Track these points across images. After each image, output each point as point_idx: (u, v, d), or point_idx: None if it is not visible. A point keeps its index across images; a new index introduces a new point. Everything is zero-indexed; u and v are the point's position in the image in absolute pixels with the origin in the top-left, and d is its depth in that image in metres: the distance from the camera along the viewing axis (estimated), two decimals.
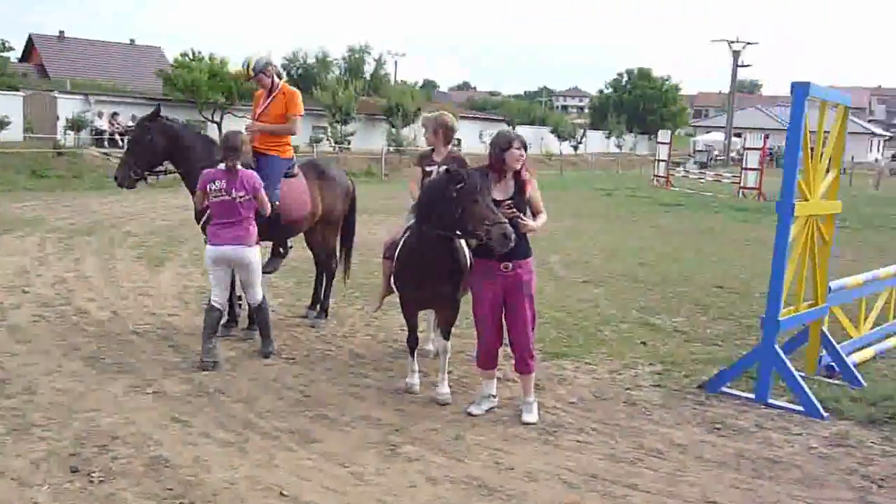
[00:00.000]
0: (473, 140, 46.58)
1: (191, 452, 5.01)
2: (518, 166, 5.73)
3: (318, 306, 8.52)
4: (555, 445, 5.47)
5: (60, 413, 5.52)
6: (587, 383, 6.87)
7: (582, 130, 55.32)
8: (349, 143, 37.15)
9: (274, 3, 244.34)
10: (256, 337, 7.54)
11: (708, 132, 69.86)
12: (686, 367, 7.42)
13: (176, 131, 7.39)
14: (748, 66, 61.56)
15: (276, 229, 7.50)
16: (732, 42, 59.23)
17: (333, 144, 34.55)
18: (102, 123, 28.20)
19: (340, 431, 5.50)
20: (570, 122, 59.08)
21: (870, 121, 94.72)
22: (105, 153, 26.75)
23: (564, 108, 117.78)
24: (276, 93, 7.59)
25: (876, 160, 56.29)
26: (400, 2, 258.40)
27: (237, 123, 31.89)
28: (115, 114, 29.13)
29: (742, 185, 29.68)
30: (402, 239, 6.13)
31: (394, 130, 39.04)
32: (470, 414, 5.96)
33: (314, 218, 7.91)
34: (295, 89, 7.78)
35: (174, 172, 7.58)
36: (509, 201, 5.59)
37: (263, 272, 7.67)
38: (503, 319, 5.88)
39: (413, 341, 6.36)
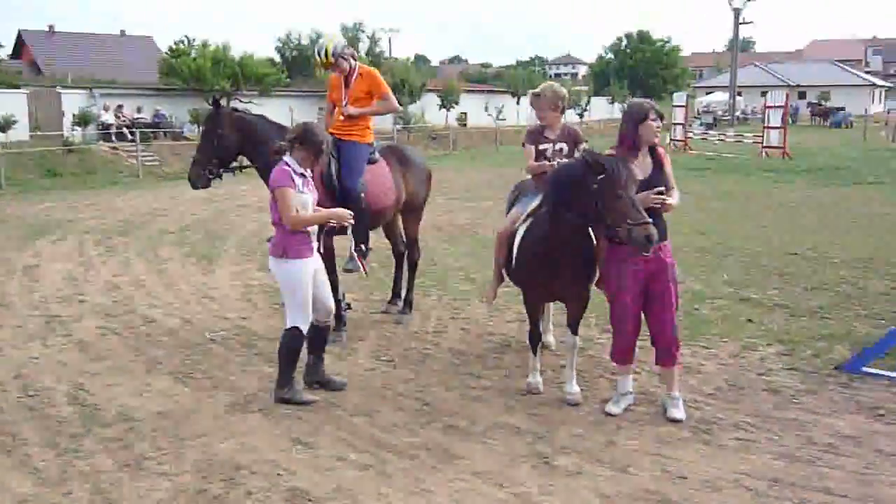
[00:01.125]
0: (479, 112, 45.89)
1: (329, 481, 4.48)
2: (656, 139, 5.18)
3: (398, 300, 7.98)
4: (718, 446, 4.96)
5: (169, 441, 4.99)
6: (714, 370, 6.36)
7: (586, 97, 54.47)
8: None
9: None
10: (344, 338, 7.04)
11: (708, 93, 69.07)
12: (808, 346, 6.91)
13: (248, 123, 6.80)
14: (750, 23, 60.45)
15: (361, 221, 6.93)
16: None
17: None
18: (108, 117, 27.46)
19: (481, 444, 4.97)
20: (574, 89, 58.21)
21: (867, 72, 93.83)
22: (114, 147, 26.04)
23: (557, 76, 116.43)
24: (354, 76, 7.01)
25: (889, 111, 55.56)
26: None
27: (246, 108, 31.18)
28: (120, 106, 28.37)
29: (765, 144, 29.04)
30: (523, 228, 5.58)
31: (401, 108, 38.29)
32: (609, 414, 5.45)
33: (398, 206, 7.35)
34: (372, 68, 7.20)
35: (250, 167, 6.98)
36: (661, 189, 5.05)
37: (344, 270, 7.15)
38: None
39: (536, 337, 5.83)
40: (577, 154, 5.92)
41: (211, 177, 6.72)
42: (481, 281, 9.33)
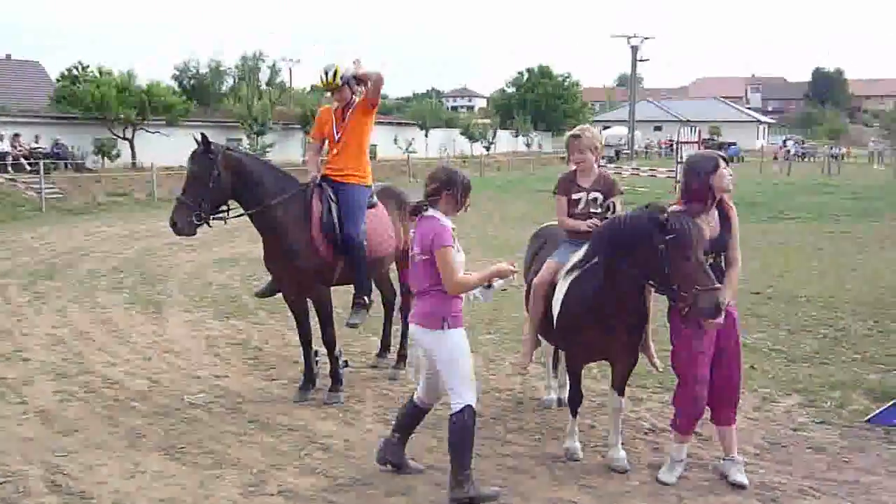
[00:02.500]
0: (388, 145, 45.40)
1: None
2: (730, 188, 4.84)
3: (387, 353, 7.43)
4: None
5: None
6: (746, 426, 6.02)
7: (492, 131, 54.83)
8: (266, 154, 35.38)
9: (158, 12, 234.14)
10: (342, 398, 6.41)
11: (606, 127, 70.89)
12: (825, 395, 6.71)
13: (243, 163, 6.10)
14: (647, 60, 62.52)
15: (361, 271, 6.36)
16: (630, 37, 60.17)
17: None
18: (4, 146, 25.63)
19: None
20: (481, 121, 58.65)
21: (748, 108, 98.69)
22: (11, 179, 24.29)
23: (454, 108, 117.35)
24: (354, 105, 6.47)
25: (783, 145, 58.82)
26: (283, 6, 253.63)
27: (152, 140, 29.79)
28: (16, 135, 26.52)
29: (677, 178, 29.67)
30: (567, 281, 5.12)
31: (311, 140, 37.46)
32: (663, 483, 5.03)
33: (397, 254, 6.80)
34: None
35: (243, 214, 6.25)
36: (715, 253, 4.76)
37: (347, 325, 6.54)
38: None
39: (577, 399, 5.36)
40: (617, 206, 5.55)
41: (198, 223, 5.97)
42: None
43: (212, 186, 5.87)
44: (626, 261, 4.68)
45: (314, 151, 6.97)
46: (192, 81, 60.56)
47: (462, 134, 53.30)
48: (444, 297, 4.55)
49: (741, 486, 4.93)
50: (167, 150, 29.35)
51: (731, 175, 4.82)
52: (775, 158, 52.65)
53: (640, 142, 64.42)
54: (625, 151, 58.80)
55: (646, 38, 60.78)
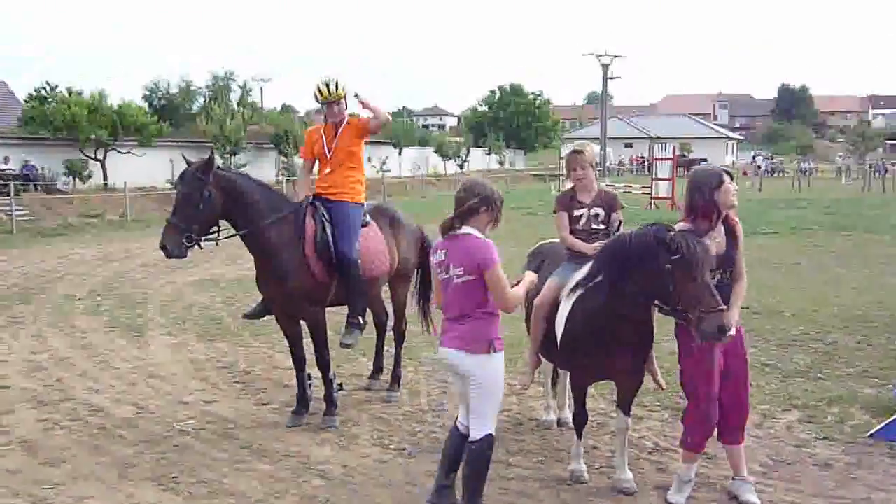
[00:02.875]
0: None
1: None
2: (735, 202, 4.78)
3: (380, 375, 7.28)
4: None
5: None
6: (750, 443, 5.91)
7: (465, 149, 54.95)
8: None
9: (124, 33, 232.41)
10: (337, 422, 6.25)
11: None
12: (825, 411, 6.66)
13: (235, 183, 5.93)
14: (617, 78, 62.99)
15: (355, 291, 6.22)
16: (601, 56, 60.49)
17: None
18: None
19: None
20: (451, 140, 58.82)
21: (716, 124, 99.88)
22: None
23: (425, 126, 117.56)
24: (344, 125, 6.35)
25: (753, 160, 59.88)
26: (249, 26, 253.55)
27: (123, 160, 29.42)
28: None
29: (654, 195, 29.85)
30: (570, 301, 5.02)
31: (285, 159, 37.28)
32: None
33: (391, 273, 6.67)
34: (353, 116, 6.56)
35: (235, 235, 6.06)
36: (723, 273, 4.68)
37: (341, 345, 6.38)
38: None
39: (582, 420, 5.24)
40: (617, 223, 5.48)
41: (189, 245, 5.78)
42: None
43: (203, 207, 5.69)
44: (631, 280, 4.59)
45: (306, 171, 6.82)
46: (162, 101, 60.21)
47: (435, 152, 53.36)
48: (488, 320, 4.34)
49: None
50: (139, 170, 29.06)
51: (735, 189, 4.76)
52: (745, 174, 53.26)
53: (611, 159, 64.83)
54: (598, 168, 59.09)
55: (616, 57, 61.13)
